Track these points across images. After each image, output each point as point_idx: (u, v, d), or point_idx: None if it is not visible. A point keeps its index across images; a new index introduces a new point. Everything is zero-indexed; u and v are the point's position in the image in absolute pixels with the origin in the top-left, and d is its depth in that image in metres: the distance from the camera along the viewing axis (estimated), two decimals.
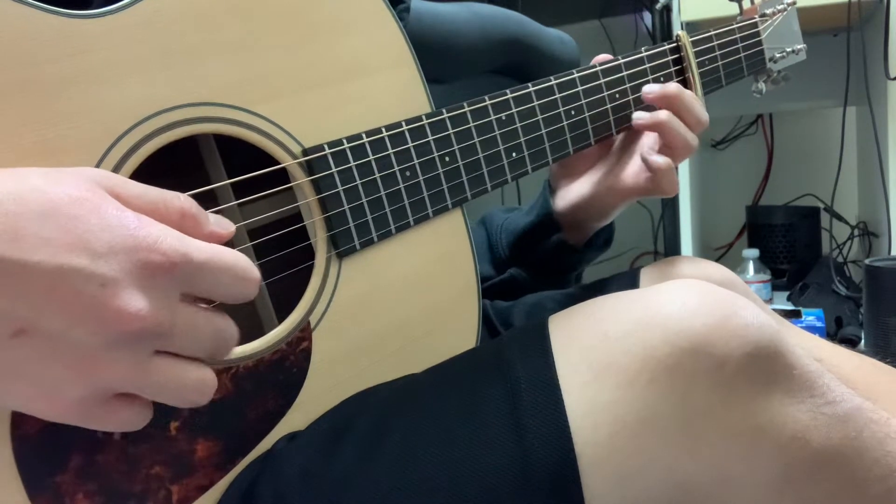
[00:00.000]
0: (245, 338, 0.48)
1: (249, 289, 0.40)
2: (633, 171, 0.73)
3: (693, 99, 0.71)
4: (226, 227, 0.42)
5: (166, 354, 0.38)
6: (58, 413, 0.37)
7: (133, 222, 0.36)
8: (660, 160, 0.69)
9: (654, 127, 0.70)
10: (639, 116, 0.71)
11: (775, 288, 1.75)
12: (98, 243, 0.35)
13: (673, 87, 0.71)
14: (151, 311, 0.36)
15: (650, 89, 0.71)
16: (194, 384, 0.39)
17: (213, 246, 0.39)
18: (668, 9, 1.56)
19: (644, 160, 0.71)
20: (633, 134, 0.74)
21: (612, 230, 0.83)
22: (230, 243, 0.43)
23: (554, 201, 0.79)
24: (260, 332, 0.49)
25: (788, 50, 0.88)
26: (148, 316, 0.35)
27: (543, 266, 0.82)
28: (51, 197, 0.35)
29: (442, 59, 1.03)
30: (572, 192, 0.78)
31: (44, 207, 0.34)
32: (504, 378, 0.46)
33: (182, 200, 0.40)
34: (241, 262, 0.40)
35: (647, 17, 1.94)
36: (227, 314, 0.41)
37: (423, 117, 0.57)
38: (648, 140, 0.73)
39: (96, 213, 0.35)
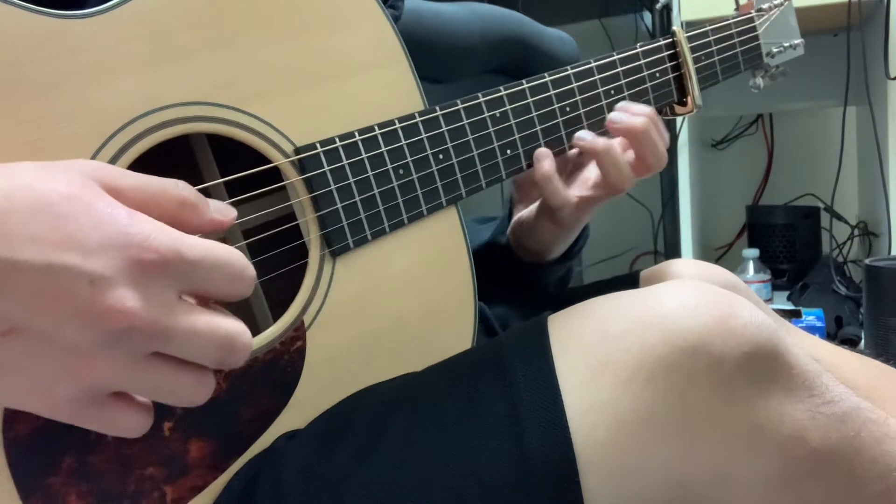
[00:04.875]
0: None
1: (244, 286, 0.39)
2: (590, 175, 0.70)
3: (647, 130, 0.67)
4: (227, 213, 0.41)
5: (164, 355, 0.38)
6: (51, 410, 0.37)
7: (124, 219, 0.36)
8: (599, 142, 0.66)
9: (627, 134, 0.67)
10: (614, 118, 0.68)
11: (775, 288, 1.75)
12: (88, 241, 0.34)
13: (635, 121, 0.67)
14: (143, 308, 0.35)
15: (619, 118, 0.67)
16: (190, 384, 0.39)
17: (207, 242, 0.38)
18: (667, 8, 1.56)
19: (578, 145, 0.67)
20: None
21: (583, 242, 0.78)
22: (225, 241, 0.43)
23: (511, 223, 0.76)
24: (255, 332, 0.49)
25: (786, 45, 0.87)
26: (139, 312, 0.35)
27: (505, 282, 0.78)
28: (40, 194, 0.34)
29: (442, 58, 1.03)
30: (524, 215, 0.75)
31: (33, 205, 0.34)
32: (503, 377, 0.46)
33: (181, 189, 0.39)
34: (236, 259, 0.39)
35: (647, 16, 1.94)
36: (240, 321, 0.40)
37: (416, 115, 0.56)
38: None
39: (86, 210, 0.35)
